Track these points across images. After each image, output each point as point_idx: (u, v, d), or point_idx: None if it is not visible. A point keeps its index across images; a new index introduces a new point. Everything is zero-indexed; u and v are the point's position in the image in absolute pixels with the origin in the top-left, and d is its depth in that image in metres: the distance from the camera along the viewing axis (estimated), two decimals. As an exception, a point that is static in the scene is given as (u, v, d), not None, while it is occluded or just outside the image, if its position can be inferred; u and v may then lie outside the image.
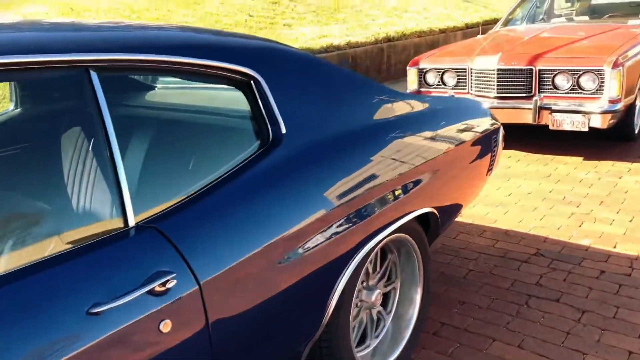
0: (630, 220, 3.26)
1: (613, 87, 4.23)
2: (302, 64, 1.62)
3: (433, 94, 5.09)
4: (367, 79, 1.92)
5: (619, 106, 4.23)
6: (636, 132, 4.90)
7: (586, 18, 6.27)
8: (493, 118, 2.67)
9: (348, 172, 1.58)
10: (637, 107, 4.91)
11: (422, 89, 5.29)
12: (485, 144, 2.50)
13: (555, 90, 4.51)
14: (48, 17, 6.76)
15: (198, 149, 1.38)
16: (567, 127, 4.39)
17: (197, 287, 1.12)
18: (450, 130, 2.20)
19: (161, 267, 1.07)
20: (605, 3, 6.64)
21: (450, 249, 3.05)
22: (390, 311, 2.08)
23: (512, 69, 4.61)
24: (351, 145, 1.63)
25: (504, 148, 4.99)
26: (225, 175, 1.31)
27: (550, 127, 4.47)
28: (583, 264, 2.79)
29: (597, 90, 4.34)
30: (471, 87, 4.94)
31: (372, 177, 1.69)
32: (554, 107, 4.41)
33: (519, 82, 4.61)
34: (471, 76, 4.90)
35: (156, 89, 1.64)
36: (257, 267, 1.28)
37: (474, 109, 2.54)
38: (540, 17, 6.72)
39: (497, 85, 4.69)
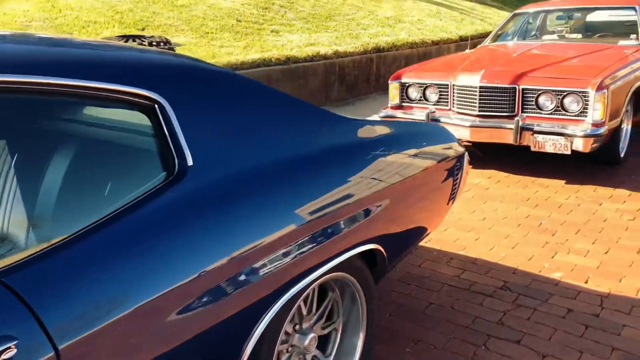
0: (606, 252, 3.10)
1: (597, 110, 4.08)
2: (219, 85, 1.45)
3: (398, 119, 4.95)
4: (307, 103, 1.75)
5: (603, 130, 4.07)
6: (622, 155, 4.75)
7: (578, 36, 6.14)
8: (458, 143, 2.51)
9: (269, 208, 1.42)
10: (623, 131, 4.76)
11: (404, 104, 5.14)
12: (446, 171, 2.34)
13: (538, 111, 4.36)
14: (28, 15, 6.60)
15: (83, 183, 1.21)
16: (549, 149, 4.24)
17: (52, 353, 0.95)
18: (404, 158, 2.04)
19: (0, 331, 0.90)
20: (598, 22, 6.51)
21: (413, 278, 2.88)
22: (330, 354, 1.91)
23: (495, 87, 4.46)
24: (276, 178, 1.46)
25: (485, 168, 4.85)
26: (112, 215, 1.14)
27: (532, 149, 4.32)
28: (550, 301, 2.62)
29: (580, 112, 4.19)
30: (453, 104, 4.78)
31: (301, 212, 1.52)
32: (536, 128, 4.26)
33: (502, 100, 4.46)
34: (453, 93, 4.75)
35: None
36: (143, 325, 1.11)
37: (436, 134, 2.38)
38: (533, 33, 6.59)
39: (480, 103, 4.54)
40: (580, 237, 3.32)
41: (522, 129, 4.31)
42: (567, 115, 4.24)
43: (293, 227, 1.47)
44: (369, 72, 7.83)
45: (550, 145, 4.22)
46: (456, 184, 2.44)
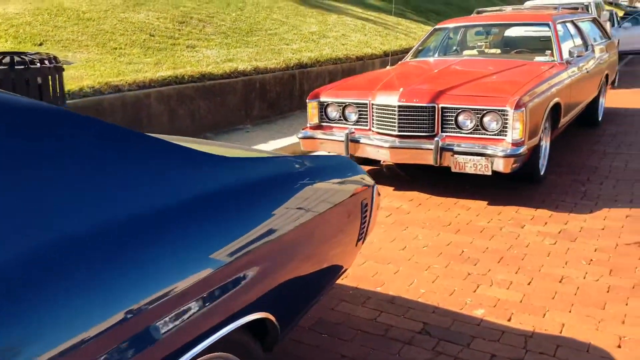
0: (529, 283, 2.93)
1: (516, 129, 3.98)
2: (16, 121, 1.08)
3: (319, 140, 4.72)
4: (167, 143, 1.41)
5: (522, 150, 3.97)
6: (542, 173, 4.70)
7: (497, 51, 6.14)
8: (367, 177, 2.24)
9: (103, 280, 1.07)
10: (542, 148, 4.72)
11: (323, 124, 4.89)
12: (353, 210, 2.06)
13: (458, 130, 4.22)
14: None
15: None
16: (469, 170, 4.09)
17: None
18: (298, 202, 1.74)
19: None
20: (516, 37, 6.56)
21: (325, 325, 2.58)
22: None
23: (414, 107, 4.29)
24: (114, 235, 1.11)
25: (407, 189, 4.67)
26: None
27: (453, 170, 4.16)
28: (473, 345, 2.39)
29: (500, 131, 4.07)
30: (373, 124, 4.58)
31: (152, 283, 1.18)
32: (456, 149, 4.11)
33: (421, 120, 4.29)
34: (372, 112, 4.54)
35: None
36: None
37: (339, 168, 2.10)
38: (453, 48, 6.56)
39: (399, 123, 4.35)
40: (503, 266, 3.15)
41: (442, 150, 4.15)
42: (487, 135, 4.12)
43: (147, 300, 1.11)
44: (291, 88, 7.56)
45: (471, 166, 4.07)
46: (365, 222, 2.17)
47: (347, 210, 2.01)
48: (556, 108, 4.80)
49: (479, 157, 4.02)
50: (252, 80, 6.92)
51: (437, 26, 6.40)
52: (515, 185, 4.58)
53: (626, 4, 39.21)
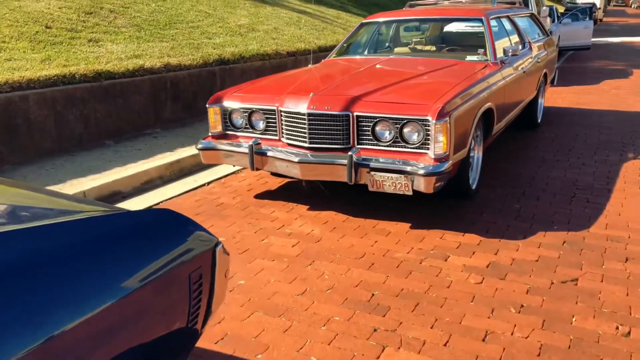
0: (445, 344, 2.38)
1: (439, 142, 3.43)
2: None
3: (222, 151, 4.06)
4: None
5: (446, 166, 3.42)
6: (473, 187, 4.20)
7: (429, 49, 5.62)
8: (206, 236, 1.60)
9: None
10: (474, 160, 4.21)
11: (228, 132, 4.22)
12: (173, 292, 1.42)
13: (376, 142, 3.64)
14: None
15: None
16: (388, 189, 3.53)
17: None
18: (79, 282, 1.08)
19: None
20: (449, 33, 6.07)
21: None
22: None
23: (325, 115, 3.68)
24: None
25: (324, 209, 4.07)
26: None
27: (370, 189, 3.59)
28: None
29: (422, 144, 3.52)
30: (282, 133, 3.95)
31: None
32: (373, 165, 3.53)
33: (335, 130, 3.69)
34: (281, 120, 3.91)
35: None
36: None
37: (151, 231, 1.44)
38: (381, 45, 6.00)
39: (310, 133, 3.74)
40: (418, 316, 2.59)
41: (357, 166, 3.56)
42: (408, 148, 3.56)
43: None
44: (211, 87, 6.84)
45: (390, 184, 3.51)
46: (198, 301, 1.53)
47: (161, 290, 1.37)
48: (488, 114, 4.31)
49: (397, 175, 3.45)
50: (163, 79, 6.16)
51: (364, 20, 5.82)
52: (443, 203, 4.06)
53: None
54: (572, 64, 13.95)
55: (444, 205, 4.01)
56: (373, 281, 2.92)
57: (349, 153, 3.55)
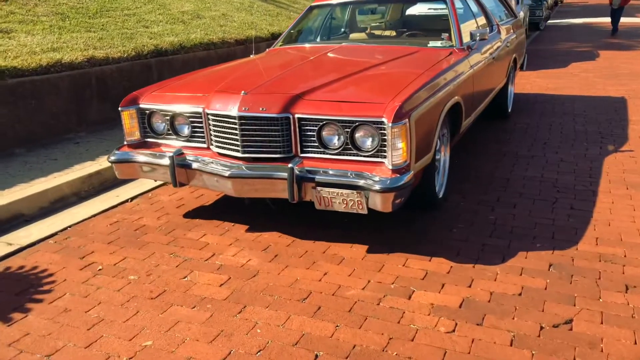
0: None
1: (397, 149, 2.80)
2: None
3: (139, 163, 3.36)
4: None
5: (407, 178, 2.80)
6: (440, 195, 3.61)
7: (388, 34, 4.99)
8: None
9: None
10: (440, 163, 3.62)
11: (148, 139, 3.51)
12: None
13: (323, 150, 3.00)
14: None
15: None
16: (338, 207, 2.89)
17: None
18: None
19: None
20: (410, 16, 5.45)
21: None
22: None
23: (261, 118, 3.01)
24: None
25: (268, 229, 3.38)
26: None
27: (317, 207, 2.95)
28: None
29: (377, 151, 2.89)
30: (211, 141, 3.27)
31: None
32: (319, 178, 2.88)
33: (273, 136, 3.03)
34: (209, 125, 3.23)
35: None
36: None
37: None
38: (336, 31, 5.34)
39: (243, 140, 3.07)
40: (373, 388, 1.97)
41: (300, 180, 2.91)
42: (361, 156, 2.92)
43: None
44: (145, 82, 6.04)
45: (340, 202, 2.87)
46: None
47: None
48: (456, 108, 3.71)
49: (349, 191, 2.82)
50: (86, 75, 5.36)
51: (314, 3, 5.14)
52: (407, 215, 3.45)
53: (528, -19, 40.07)
54: (538, 46, 13.55)
55: (406, 219, 3.40)
56: (318, 334, 2.29)
57: (290, 165, 2.89)
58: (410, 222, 3.37)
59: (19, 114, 4.73)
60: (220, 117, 3.13)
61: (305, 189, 2.93)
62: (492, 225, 3.31)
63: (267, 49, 4.82)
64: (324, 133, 2.99)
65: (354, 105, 2.91)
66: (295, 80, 3.33)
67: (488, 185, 4.00)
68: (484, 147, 4.98)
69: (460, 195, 3.80)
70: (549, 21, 22.05)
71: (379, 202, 2.75)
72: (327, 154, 3.00)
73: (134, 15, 7.48)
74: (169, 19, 7.77)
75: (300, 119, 2.99)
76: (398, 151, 2.80)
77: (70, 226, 3.49)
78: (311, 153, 3.03)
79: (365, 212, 2.84)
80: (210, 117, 3.19)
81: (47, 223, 3.54)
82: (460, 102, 3.68)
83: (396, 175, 2.78)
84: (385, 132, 2.80)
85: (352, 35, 5.15)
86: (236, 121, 3.04)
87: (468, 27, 4.55)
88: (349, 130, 2.90)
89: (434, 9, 5.00)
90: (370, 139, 2.90)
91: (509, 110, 6.18)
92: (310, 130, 2.99)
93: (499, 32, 5.45)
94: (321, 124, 2.95)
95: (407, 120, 2.79)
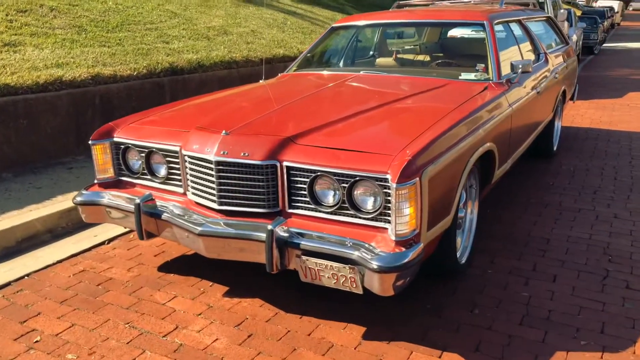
0: None
1: (403, 215, 2.21)
2: None
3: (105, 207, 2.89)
4: None
5: (414, 253, 2.20)
6: (463, 261, 2.98)
7: (421, 61, 4.41)
8: None
9: None
10: (466, 220, 3.01)
11: (123, 178, 3.03)
12: None
13: (315, 208, 2.44)
14: None
15: None
16: (328, 283, 2.32)
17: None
18: None
19: None
20: (443, 41, 4.86)
21: None
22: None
23: (241, 164, 2.48)
24: None
25: (251, 292, 2.83)
26: None
27: (302, 279, 2.39)
28: None
29: (380, 214, 2.31)
30: (188, 186, 2.76)
31: None
32: (305, 244, 2.32)
33: (255, 187, 2.49)
34: (185, 167, 2.72)
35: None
36: None
37: None
38: (360, 56, 4.79)
39: (220, 190, 2.54)
40: None
41: (282, 244, 2.36)
42: (361, 218, 2.35)
43: None
44: (157, 103, 5.64)
45: (329, 277, 2.30)
46: None
47: None
48: (488, 156, 3.09)
49: (340, 265, 2.24)
50: (89, 94, 4.99)
51: (335, 24, 4.62)
52: (420, 282, 2.85)
53: (583, 3, 38.60)
54: (590, 72, 12.65)
55: (418, 289, 2.79)
56: None
57: (269, 227, 2.34)
58: (423, 294, 2.76)
59: (9, 134, 4.37)
60: (197, 160, 2.62)
61: (288, 256, 2.38)
62: (525, 306, 2.66)
63: (279, 74, 4.32)
64: (317, 187, 2.43)
65: (354, 155, 2.35)
66: (291, 118, 2.79)
67: (523, 246, 3.34)
68: (521, 194, 4.30)
69: (489, 259, 3.16)
70: (604, 44, 20.92)
71: (376, 284, 2.17)
72: (319, 212, 2.44)
73: (155, 29, 7.15)
74: (193, 35, 7.40)
75: (289, 168, 2.45)
76: (404, 218, 2.21)
77: (28, 274, 3.04)
78: (301, 210, 2.48)
79: (359, 291, 2.26)
80: (187, 158, 2.68)
81: (5, 269, 3.10)
82: (494, 149, 3.06)
83: (400, 250, 2.19)
84: (389, 192, 2.23)
85: (377, 61, 4.60)
86: (212, 166, 2.52)
87: (510, 57, 3.93)
88: (346, 185, 2.34)
89: (470, 34, 4.40)
90: (372, 199, 2.33)
91: (555, 149, 5.47)
92: (301, 183, 2.44)
93: (546, 61, 4.79)
94: (313, 175, 2.40)
95: (417, 178, 2.21)
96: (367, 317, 2.58)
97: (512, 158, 3.62)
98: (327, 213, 2.42)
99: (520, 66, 3.62)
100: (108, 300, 2.76)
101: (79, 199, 2.97)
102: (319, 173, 2.39)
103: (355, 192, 2.36)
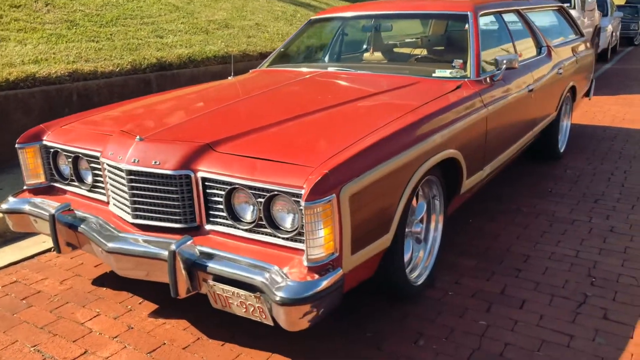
0: None
1: (316, 237, 1.92)
2: None
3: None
4: None
5: (328, 281, 1.90)
6: (421, 281, 2.66)
7: (389, 57, 4.07)
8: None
9: None
10: (429, 239, 2.68)
11: (55, 183, 2.84)
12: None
13: (233, 224, 2.18)
14: None
15: None
16: (237, 311, 2.05)
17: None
18: None
19: None
20: (430, 34, 4.50)
21: None
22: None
23: (152, 174, 2.24)
24: None
25: (174, 314, 2.57)
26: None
27: (214, 306, 2.12)
28: None
29: (299, 234, 2.03)
30: (109, 195, 2.53)
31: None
32: (212, 267, 2.05)
33: (169, 200, 2.24)
34: (106, 175, 2.49)
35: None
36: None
37: None
38: (365, 47, 4.46)
39: (133, 202, 2.31)
40: None
41: (190, 266, 2.10)
42: (280, 237, 2.08)
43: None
44: (142, 99, 5.48)
45: (238, 305, 2.03)
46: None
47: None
48: (451, 165, 2.76)
49: (246, 293, 1.97)
50: (65, 90, 4.84)
51: (314, 17, 4.32)
52: (364, 307, 2.54)
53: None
54: (624, 65, 11.91)
55: (360, 313, 2.49)
56: None
57: (172, 246, 2.08)
58: (366, 320, 2.46)
59: (-25, 134, 4.26)
60: (112, 167, 2.38)
61: (198, 280, 2.12)
62: (478, 338, 2.33)
63: (250, 70, 4.05)
64: (235, 201, 2.17)
65: (272, 166, 2.07)
66: (222, 121, 2.53)
67: (497, 264, 2.99)
68: (512, 202, 3.93)
69: (455, 278, 2.83)
70: (646, 35, 19.79)
71: (281, 316, 1.89)
72: (238, 228, 2.17)
73: (152, 24, 6.98)
74: (191, 29, 7.21)
75: (204, 179, 2.18)
76: (317, 241, 1.92)
77: (-43, 284, 2.88)
78: (220, 225, 2.22)
79: (270, 323, 1.98)
80: (105, 165, 2.45)
81: (-64, 277, 2.95)
82: (458, 156, 2.72)
83: (312, 278, 1.90)
84: (303, 210, 1.93)
85: (357, 57, 4.27)
86: (124, 176, 2.28)
87: (498, 51, 3.57)
88: (262, 200, 2.06)
89: (454, 27, 4.01)
90: (291, 216, 2.04)
91: (562, 150, 5.03)
92: (218, 196, 2.18)
93: (549, 55, 4.37)
94: (229, 188, 2.13)
95: (334, 195, 1.91)
96: (295, 346, 2.30)
97: (491, 165, 3.25)
98: (246, 231, 2.15)
99: (504, 62, 3.25)
100: (25, 317, 2.56)
101: (4, 206, 2.79)
102: (234, 185, 2.11)
103: (273, 208, 2.08)
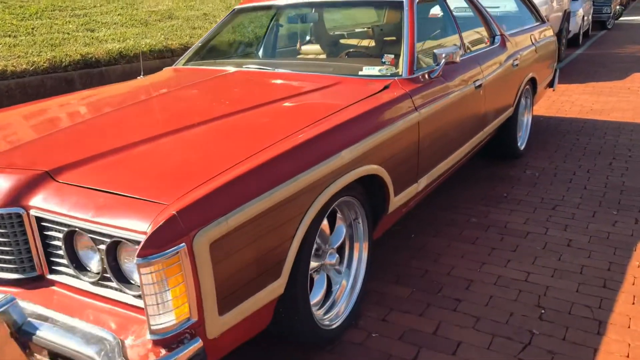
0: None
1: (162, 300, 1.46)
2: None
3: None
4: None
5: (182, 356, 1.46)
6: (336, 325, 2.22)
7: (320, 51, 3.62)
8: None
9: None
10: (351, 273, 2.25)
11: None
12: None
13: (77, 275, 1.71)
14: None
15: None
16: (74, 392, 1.59)
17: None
18: None
19: None
20: (359, 27, 4.04)
21: None
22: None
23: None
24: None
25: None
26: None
27: (50, 382, 1.66)
28: None
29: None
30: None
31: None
32: (39, 337, 1.58)
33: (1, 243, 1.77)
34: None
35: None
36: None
37: None
38: (307, 38, 3.99)
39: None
40: None
41: (18, 332, 1.63)
42: (130, 295, 1.61)
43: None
44: (63, 101, 4.95)
45: (71, 385, 1.56)
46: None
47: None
48: (374, 181, 2.32)
49: (74, 369, 1.51)
50: (-33, 94, 4.30)
51: (238, 6, 3.83)
52: (270, 355, 2.11)
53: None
54: (595, 51, 11.59)
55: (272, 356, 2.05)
56: None
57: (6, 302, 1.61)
58: (266, 380, 2.02)
59: None
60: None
61: (32, 349, 1.65)
62: (397, 401, 1.91)
63: (164, 68, 3.56)
64: (78, 246, 1.70)
65: (117, 202, 1.59)
66: (72, 141, 2.04)
67: (435, 294, 2.57)
68: (461, 213, 3.51)
69: (382, 314, 2.40)
70: (622, 18, 19.61)
71: (117, 403, 1.43)
72: (85, 280, 1.70)
73: (84, 16, 6.41)
74: (128, 21, 6.65)
75: (39, 220, 1.71)
76: (163, 306, 1.46)
77: None
78: (65, 276, 1.75)
79: (111, 408, 1.52)
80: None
81: None
82: (380, 172, 2.27)
83: (156, 355, 1.44)
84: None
85: (304, 48, 3.80)
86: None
87: (436, 45, 3.13)
88: (103, 247, 1.59)
89: (391, 18, 3.55)
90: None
91: (522, 148, 4.63)
92: (56, 239, 1.71)
93: (502, 45, 3.95)
94: (67, 230, 1.66)
95: (183, 245, 1.45)
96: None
97: (428, 176, 2.82)
98: (92, 284, 1.69)
99: (444, 55, 2.81)
100: None
101: None
102: (72, 228, 1.64)
103: (120, 257, 1.61)
